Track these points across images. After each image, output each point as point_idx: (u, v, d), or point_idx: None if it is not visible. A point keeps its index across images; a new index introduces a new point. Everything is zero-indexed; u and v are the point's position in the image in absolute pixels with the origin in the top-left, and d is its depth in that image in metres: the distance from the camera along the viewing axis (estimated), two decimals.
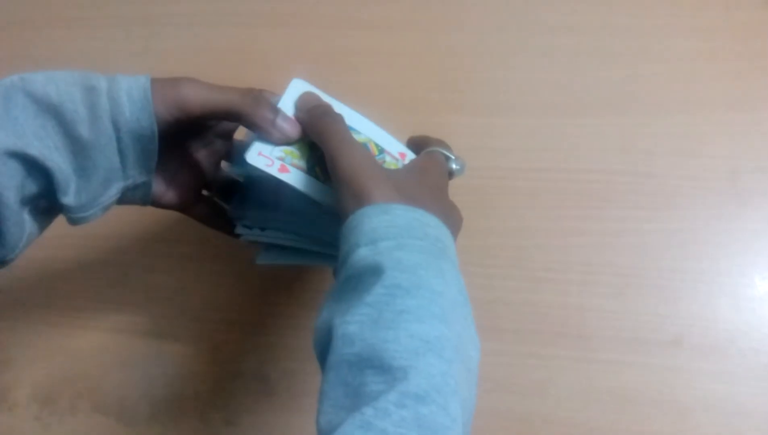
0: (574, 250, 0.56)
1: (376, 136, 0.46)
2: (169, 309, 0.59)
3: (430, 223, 0.37)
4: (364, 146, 0.41)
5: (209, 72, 0.44)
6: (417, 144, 0.47)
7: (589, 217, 0.57)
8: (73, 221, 0.40)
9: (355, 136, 0.41)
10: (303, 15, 0.71)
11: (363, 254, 0.34)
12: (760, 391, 0.51)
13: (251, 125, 0.41)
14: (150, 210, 0.45)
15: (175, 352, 0.57)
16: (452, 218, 0.41)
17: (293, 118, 0.42)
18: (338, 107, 0.45)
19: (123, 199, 0.42)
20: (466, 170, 0.46)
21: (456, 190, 0.61)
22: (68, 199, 0.38)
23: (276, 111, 0.42)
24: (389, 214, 0.36)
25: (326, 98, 0.45)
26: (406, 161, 0.46)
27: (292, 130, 0.42)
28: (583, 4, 0.67)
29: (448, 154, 0.45)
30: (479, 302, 0.55)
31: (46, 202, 0.39)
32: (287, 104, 0.43)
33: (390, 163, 0.45)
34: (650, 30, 0.65)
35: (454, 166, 0.45)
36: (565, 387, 0.52)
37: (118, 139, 0.38)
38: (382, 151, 0.45)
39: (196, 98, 0.39)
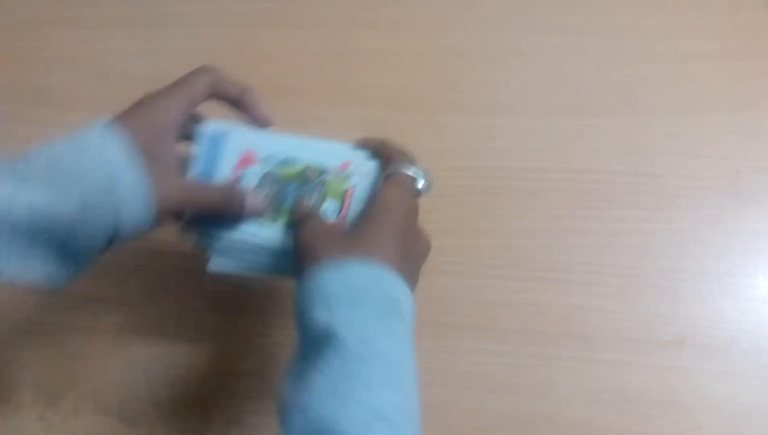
0: (576, 250, 0.56)
1: (314, 155, 0.45)
2: (173, 310, 0.59)
3: (384, 278, 0.36)
4: (318, 212, 0.42)
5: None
6: (377, 151, 0.45)
7: (590, 218, 0.57)
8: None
9: (292, 168, 0.44)
10: (304, 15, 0.71)
11: (315, 315, 0.34)
12: (763, 391, 0.51)
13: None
14: None
15: (179, 353, 0.57)
16: (414, 256, 0.41)
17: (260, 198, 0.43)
18: (268, 140, 0.45)
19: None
20: (433, 188, 0.44)
21: (456, 191, 0.61)
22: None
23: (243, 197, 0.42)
24: (342, 271, 0.36)
25: (252, 133, 0.45)
26: (351, 169, 0.44)
27: (261, 207, 0.43)
28: (583, 5, 0.67)
29: (413, 174, 0.42)
30: (480, 303, 0.56)
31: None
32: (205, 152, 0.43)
33: (334, 182, 0.44)
34: (651, 30, 0.65)
35: (420, 186, 0.43)
36: (567, 387, 0.53)
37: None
38: (322, 172, 0.44)
39: (175, 201, 0.40)
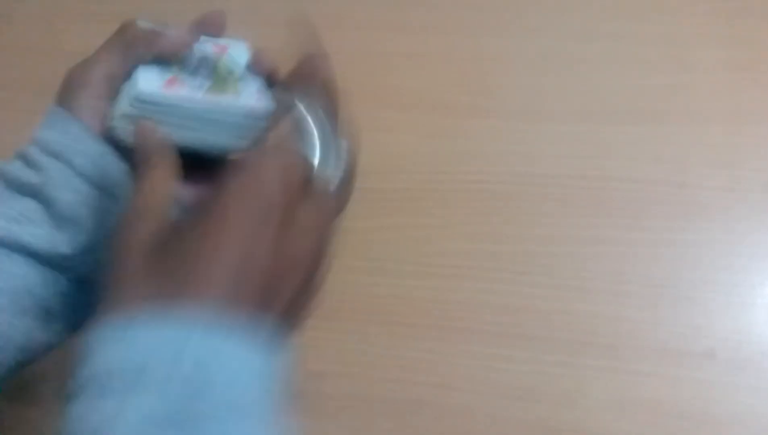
0: (605, 259, 0.56)
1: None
2: None
3: (189, 342, 0.24)
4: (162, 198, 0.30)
5: None
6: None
7: (620, 226, 0.57)
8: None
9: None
10: (335, 17, 0.71)
11: (77, 412, 0.23)
12: None
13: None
14: None
15: None
16: (286, 281, 0.28)
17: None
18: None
19: None
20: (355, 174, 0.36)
21: (484, 195, 0.61)
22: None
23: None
24: (125, 342, 0.24)
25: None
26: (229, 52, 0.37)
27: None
28: (616, 12, 0.67)
29: (296, 151, 0.30)
30: (507, 309, 0.55)
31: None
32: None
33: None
34: (684, 39, 0.64)
35: (316, 164, 0.30)
36: (594, 397, 0.52)
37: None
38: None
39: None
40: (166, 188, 0.30)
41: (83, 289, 0.36)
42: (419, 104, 0.64)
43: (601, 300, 0.54)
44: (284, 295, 0.28)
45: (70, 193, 0.34)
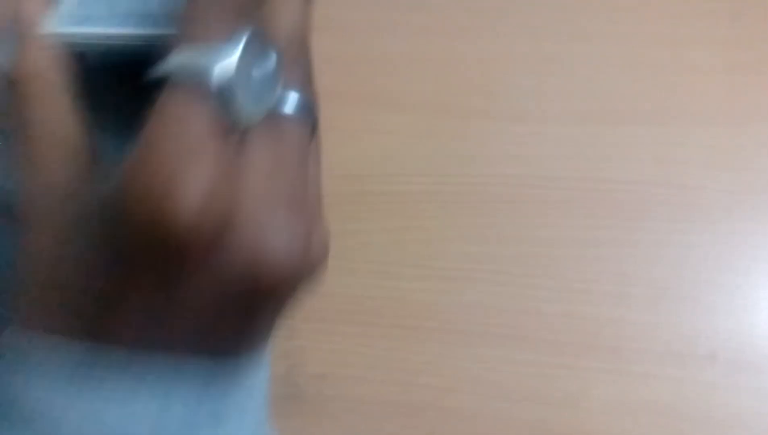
0: (607, 261, 0.56)
1: None
2: None
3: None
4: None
5: None
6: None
7: (622, 228, 0.57)
8: None
9: None
10: (334, 18, 0.71)
11: None
12: None
13: None
14: None
15: None
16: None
17: None
18: None
19: None
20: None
21: (485, 197, 0.61)
22: None
23: None
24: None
25: None
26: None
27: None
28: (616, 14, 0.67)
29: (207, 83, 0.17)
30: (510, 311, 0.55)
31: None
32: None
33: None
34: (685, 41, 0.64)
35: (238, 106, 0.18)
36: (597, 399, 0.52)
37: None
38: None
39: None
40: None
41: None
42: (419, 107, 0.64)
43: (604, 302, 0.54)
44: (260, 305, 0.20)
45: None
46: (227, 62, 0.17)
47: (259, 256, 0.18)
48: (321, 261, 0.21)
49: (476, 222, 0.58)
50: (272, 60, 0.19)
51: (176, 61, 0.17)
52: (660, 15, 0.65)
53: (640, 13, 0.66)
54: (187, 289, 0.18)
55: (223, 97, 0.17)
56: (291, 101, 0.20)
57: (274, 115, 0.19)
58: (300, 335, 0.57)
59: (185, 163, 0.16)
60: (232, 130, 0.18)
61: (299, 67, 0.21)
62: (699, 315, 0.53)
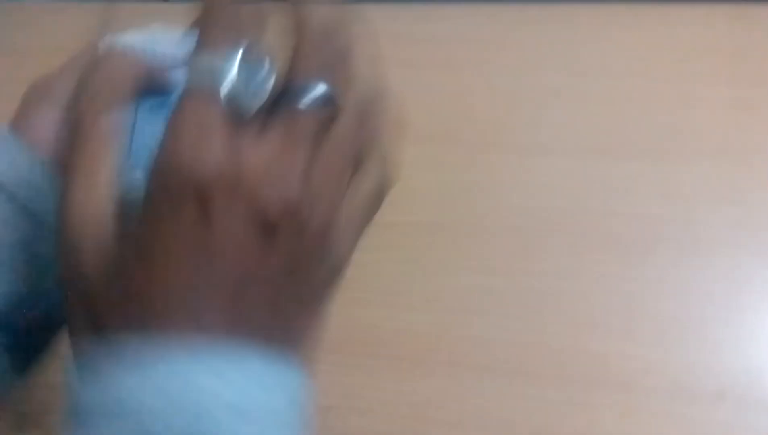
0: (615, 295, 0.56)
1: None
2: None
3: (190, 382, 0.21)
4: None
5: None
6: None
7: (629, 263, 0.57)
8: None
9: None
10: None
11: None
12: None
13: None
14: None
15: None
16: (288, 297, 0.24)
17: None
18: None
19: None
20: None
21: (491, 230, 0.61)
22: None
23: None
24: (100, 383, 0.21)
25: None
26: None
27: None
28: (624, 48, 0.68)
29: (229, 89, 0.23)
30: (516, 345, 0.55)
31: None
32: None
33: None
34: (692, 76, 0.65)
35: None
36: None
37: None
38: None
39: None
40: (107, 190, 0.24)
41: (23, 342, 0.30)
42: (428, 138, 0.65)
43: (611, 337, 0.54)
44: (302, 314, 0.25)
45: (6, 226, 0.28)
46: (229, 68, 0.22)
47: (262, 199, 0.22)
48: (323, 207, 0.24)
49: (484, 254, 0.59)
50: (265, 64, 0.24)
51: (191, 68, 0.23)
52: (665, 52, 0.66)
53: (648, 49, 0.67)
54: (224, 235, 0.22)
55: (227, 96, 0.22)
56: (310, 93, 0.24)
57: (289, 108, 0.24)
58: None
59: (203, 135, 0.22)
60: (239, 118, 0.23)
61: (326, 60, 0.25)
62: (707, 352, 0.53)
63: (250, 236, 0.22)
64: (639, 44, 0.68)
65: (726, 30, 0.67)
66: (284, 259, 0.23)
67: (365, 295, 0.58)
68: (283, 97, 0.24)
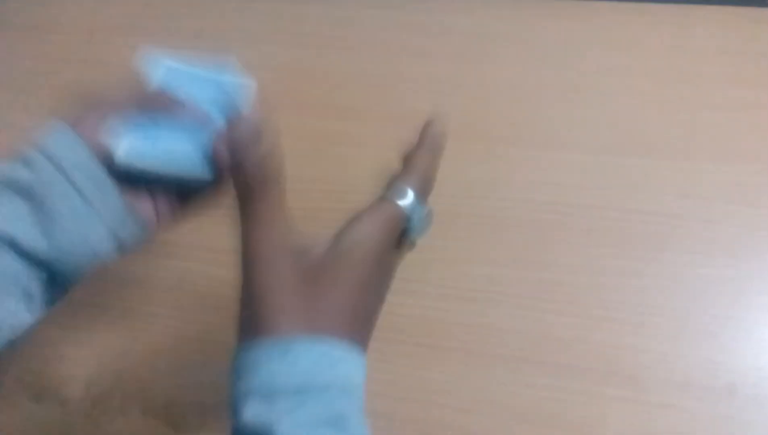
0: (629, 290, 0.56)
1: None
2: (223, 317, 0.59)
3: (336, 357, 0.31)
4: (285, 229, 0.34)
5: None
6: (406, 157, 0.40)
7: (644, 259, 0.58)
8: (64, 279, 0.38)
9: None
10: (369, 41, 0.73)
11: (256, 411, 0.29)
12: None
13: None
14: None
15: (227, 361, 0.57)
16: (370, 311, 0.35)
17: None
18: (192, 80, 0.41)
19: (121, 243, 0.39)
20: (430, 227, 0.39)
21: (509, 222, 0.62)
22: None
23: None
24: (290, 355, 0.30)
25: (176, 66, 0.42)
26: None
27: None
28: (642, 49, 0.68)
29: (406, 209, 0.35)
30: (531, 336, 0.56)
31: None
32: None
33: None
34: (711, 78, 0.66)
35: (411, 225, 0.36)
36: (614, 426, 0.52)
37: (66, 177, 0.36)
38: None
39: None
40: (285, 220, 0.34)
41: (56, 278, 0.38)
42: (449, 131, 0.66)
43: (623, 330, 0.55)
44: (372, 323, 0.35)
45: (60, 199, 0.35)
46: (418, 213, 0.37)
47: None
48: None
49: (500, 245, 0.59)
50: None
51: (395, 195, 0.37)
52: (686, 53, 0.67)
53: (665, 50, 0.68)
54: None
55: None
56: (406, 195, 0.36)
57: (385, 199, 0.36)
58: None
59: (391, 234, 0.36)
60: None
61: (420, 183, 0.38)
62: (718, 348, 0.54)
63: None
64: (661, 44, 0.68)
65: (749, 33, 0.68)
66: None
67: None
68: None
